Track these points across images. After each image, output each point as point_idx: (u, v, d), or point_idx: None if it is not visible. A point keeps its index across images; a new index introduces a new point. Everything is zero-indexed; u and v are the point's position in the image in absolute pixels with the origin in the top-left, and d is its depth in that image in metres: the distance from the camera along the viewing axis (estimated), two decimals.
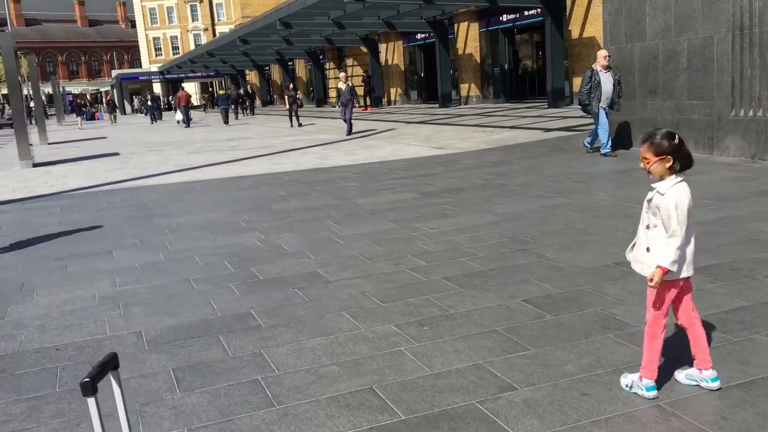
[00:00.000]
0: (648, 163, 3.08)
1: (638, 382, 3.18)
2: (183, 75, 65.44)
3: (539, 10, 22.40)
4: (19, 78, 16.91)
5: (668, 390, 3.21)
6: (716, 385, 3.15)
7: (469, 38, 28.37)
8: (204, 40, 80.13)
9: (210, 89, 68.36)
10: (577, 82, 22.16)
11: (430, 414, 3.15)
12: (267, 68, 54.64)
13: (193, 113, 35.30)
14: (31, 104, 32.38)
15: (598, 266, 5.18)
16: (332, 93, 41.98)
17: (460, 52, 29.02)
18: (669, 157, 3.02)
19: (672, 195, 2.99)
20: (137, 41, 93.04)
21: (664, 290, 3.10)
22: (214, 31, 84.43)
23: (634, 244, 3.22)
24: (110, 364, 1.52)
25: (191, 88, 69.35)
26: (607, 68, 10.86)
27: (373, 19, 28.71)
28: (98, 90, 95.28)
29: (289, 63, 48.41)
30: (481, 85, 28.71)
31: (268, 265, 5.95)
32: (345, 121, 19.50)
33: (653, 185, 3.13)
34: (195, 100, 68.28)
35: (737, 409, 3.01)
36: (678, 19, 10.39)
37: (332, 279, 5.40)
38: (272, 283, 5.42)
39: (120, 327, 4.63)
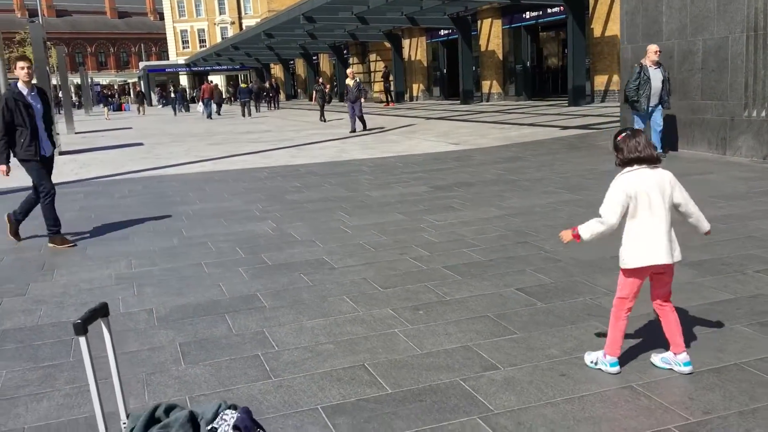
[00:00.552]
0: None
1: (602, 359, 3.39)
2: (209, 68, 66.08)
3: (562, 8, 22.39)
4: (48, 68, 17.34)
5: (641, 372, 3.39)
6: (688, 369, 3.32)
7: (492, 35, 28.41)
8: (231, 33, 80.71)
9: (231, 82, 68.98)
10: (598, 80, 22.20)
11: (416, 389, 3.36)
12: (291, 62, 55.03)
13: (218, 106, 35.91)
14: (60, 94, 33.03)
15: (594, 259, 5.33)
16: None
17: (483, 48, 29.07)
18: (615, 152, 3.26)
19: (612, 184, 3.27)
20: (165, 33, 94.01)
21: (625, 277, 3.30)
22: (240, 24, 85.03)
23: None
24: (101, 311, 1.73)
25: (218, 80, 70.00)
26: (657, 64, 10.22)
27: (396, 15, 28.85)
28: (126, 81, 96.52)
29: (314, 57, 48.73)
30: (503, 82, 28.74)
31: (277, 251, 6.19)
32: (351, 117, 19.19)
33: None
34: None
35: (706, 391, 3.17)
36: (693, 20, 10.44)
37: (337, 266, 5.62)
38: (280, 268, 5.65)
39: (133, 305, 4.89)
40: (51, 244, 6.81)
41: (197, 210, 8.47)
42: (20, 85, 6.52)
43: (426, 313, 4.39)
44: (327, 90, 29.41)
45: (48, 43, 43.97)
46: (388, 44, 35.44)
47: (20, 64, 6.48)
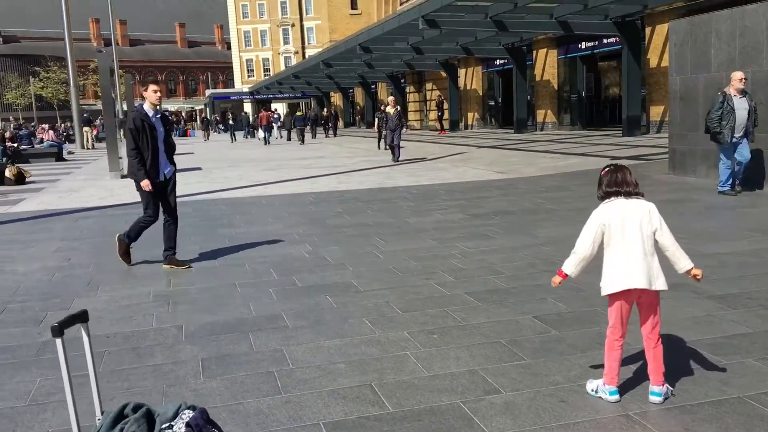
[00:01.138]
0: None
1: (602, 387, 3.45)
2: (271, 96, 67.85)
3: (618, 38, 22.26)
4: (113, 95, 18.21)
5: (641, 402, 3.41)
6: (656, 399, 3.37)
7: (547, 65, 28.39)
8: (294, 62, 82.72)
9: (288, 109, 70.54)
10: (654, 110, 21.89)
11: (416, 409, 3.46)
12: (351, 91, 56.00)
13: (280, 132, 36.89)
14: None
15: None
16: (411, 116, 42.71)
17: (538, 78, 29.05)
18: (597, 186, 3.48)
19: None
20: (231, 62, 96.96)
21: (609, 305, 3.43)
22: (304, 53, 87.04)
23: None
24: (80, 317, 1.93)
25: (281, 107, 71.72)
26: (743, 92, 9.55)
27: (451, 45, 29.17)
28: (193, 108, 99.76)
29: (372, 86, 49.50)
30: (558, 112, 28.61)
31: (308, 274, 6.39)
32: (390, 147, 18.81)
33: None
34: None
35: (702, 423, 3.18)
36: (743, 51, 10.30)
37: (363, 289, 5.78)
38: (308, 290, 5.84)
39: (165, 321, 5.15)
40: (118, 254, 7.00)
41: (241, 233, 8.77)
42: (146, 106, 6.62)
43: (440, 337, 4.50)
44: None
45: (120, 71, 45.90)
46: (443, 73, 35.76)
47: (152, 87, 6.66)
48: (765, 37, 9.88)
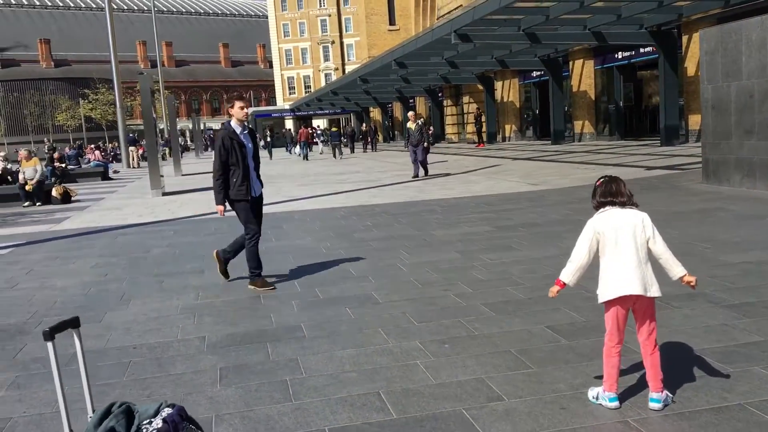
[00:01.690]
0: None
1: (602, 394, 3.50)
2: (312, 112, 68.71)
3: (654, 48, 22.03)
4: (154, 115, 18.78)
5: (641, 409, 3.45)
6: (655, 406, 3.41)
7: (583, 75, 28.22)
8: (334, 78, 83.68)
9: (328, 125, 71.24)
10: (693, 120, 21.57)
11: (419, 416, 3.57)
12: (389, 105, 56.37)
13: (318, 148, 37.29)
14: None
15: None
16: (449, 130, 42.79)
17: (575, 89, 28.88)
18: (592, 197, 3.58)
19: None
20: (273, 80, 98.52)
21: (605, 312, 3.49)
22: (344, 70, 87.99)
23: None
24: (71, 323, 2.10)
25: (321, 123, 72.50)
26: None
27: (486, 58, 29.22)
28: None
29: (410, 100, 49.76)
30: (595, 123, 28.38)
31: (331, 286, 6.54)
32: (414, 162, 18.34)
33: None
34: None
35: (699, 429, 3.21)
36: None
37: (382, 300, 5.90)
38: (329, 301, 5.99)
39: (190, 332, 5.36)
40: (251, 286, 6.63)
41: (270, 247, 8.98)
42: (234, 123, 6.48)
43: (451, 347, 4.59)
44: (430, 131, 28.96)
45: (166, 91, 47.06)
46: (480, 86, 35.79)
47: (239, 104, 6.49)
48: None
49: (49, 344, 1.95)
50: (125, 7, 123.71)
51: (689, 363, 4.01)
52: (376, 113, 60.85)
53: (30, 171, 18.13)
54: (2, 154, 25.54)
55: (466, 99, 39.29)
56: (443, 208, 11.80)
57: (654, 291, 3.36)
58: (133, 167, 36.64)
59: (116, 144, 50.35)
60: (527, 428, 3.33)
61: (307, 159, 33.33)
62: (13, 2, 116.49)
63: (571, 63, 28.85)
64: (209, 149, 53.78)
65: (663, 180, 13.15)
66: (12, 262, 9.10)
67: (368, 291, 6.26)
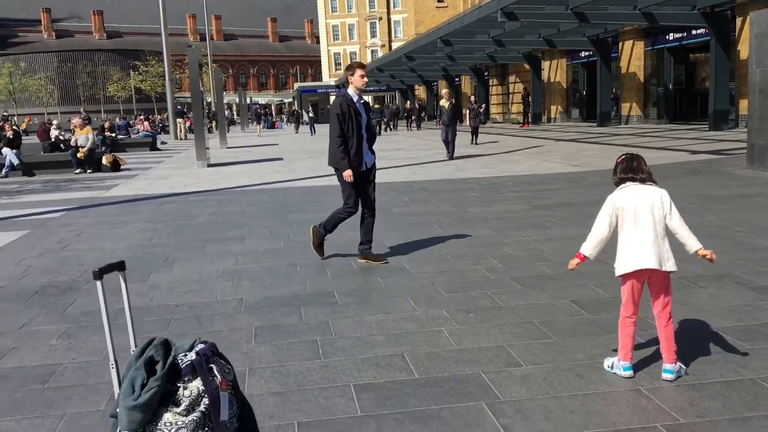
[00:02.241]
0: None
1: (617, 363, 3.62)
2: None
3: (706, 29, 21.53)
4: (201, 88, 19.18)
5: (655, 378, 3.57)
6: (668, 377, 3.52)
7: (633, 57, 27.72)
8: (380, 55, 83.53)
9: (373, 102, 71.23)
10: (744, 104, 21.06)
11: (440, 377, 3.75)
12: (434, 83, 56.13)
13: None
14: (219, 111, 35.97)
15: None
16: (494, 109, 42.48)
17: (623, 70, 28.41)
18: (613, 173, 3.69)
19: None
20: (320, 56, 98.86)
21: (622, 285, 3.62)
22: (390, 47, 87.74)
23: None
24: (117, 265, 2.33)
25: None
26: None
27: (533, 37, 28.92)
28: (282, 101, 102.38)
29: (456, 79, 49.49)
30: (644, 105, 27.90)
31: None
32: (444, 142, 17.78)
33: None
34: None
35: (708, 399, 3.32)
36: None
37: (413, 272, 6.08)
38: (362, 271, 6.20)
39: (228, 294, 5.63)
40: (362, 260, 6.52)
41: (309, 218, 9.21)
42: (351, 91, 6.27)
43: (476, 316, 4.75)
44: (481, 109, 28.10)
45: (214, 65, 47.83)
46: (527, 66, 35.43)
47: (360, 72, 6.24)
48: None
49: (98, 283, 2.18)
50: None
51: (707, 339, 4.10)
52: (421, 91, 60.65)
53: (82, 139, 18.75)
54: (56, 122, 26.36)
55: (512, 78, 38.97)
56: (481, 186, 11.89)
57: (670, 265, 3.46)
58: (181, 139, 37.39)
59: (165, 116, 51.37)
60: (541, 391, 3.49)
61: None
62: None
63: (620, 44, 28.36)
64: (254, 123, 54.31)
65: (706, 164, 12.99)
66: (64, 225, 9.54)
67: (401, 262, 6.45)
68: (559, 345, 4.14)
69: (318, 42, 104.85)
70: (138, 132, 35.73)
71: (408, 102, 47.40)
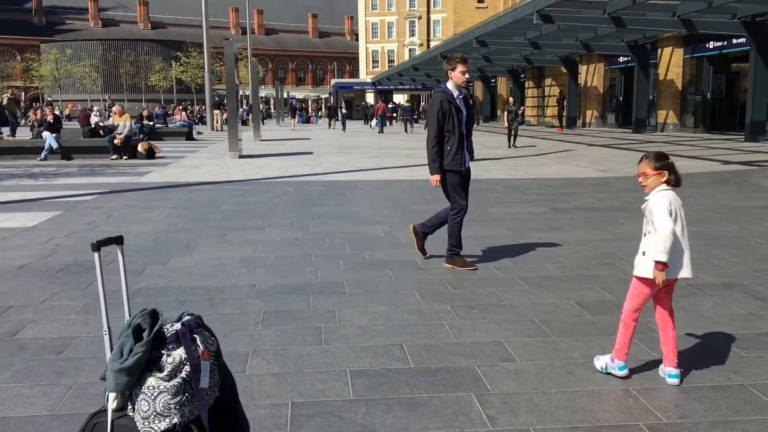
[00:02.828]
0: (647, 177, 3.55)
1: (611, 364, 3.67)
2: (392, 87, 68.94)
3: (747, 39, 21.18)
4: (238, 81, 19.48)
5: (645, 380, 3.63)
6: (674, 381, 3.54)
7: (671, 64, 27.37)
8: (418, 53, 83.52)
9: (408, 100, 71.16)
10: None
11: (434, 367, 3.86)
12: (471, 84, 55.98)
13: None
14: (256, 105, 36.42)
15: None
16: (528, 112, 42.23)
17: (661, 77, 28.07)
18: (665, 172, 3.48)
19: (656, 198, 3.47)
20: (358, 53, 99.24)
21: (643, 286, 3.55)
22: (428, 46, 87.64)
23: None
24: (116, 240, 2.48)
25: (402, 98, 72.74)
26: None
27: (570, 41, 28.72)
28: (319, 96, 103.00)
29: (492, 80, 49.32)
30: (680, 113, 27.54)
31: (378, 251, 6.87)
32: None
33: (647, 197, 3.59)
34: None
35: (694, 402, 3.38)
36: None
37: (423, 266, 6.19)
38: (374, 263, 6.32)
39: (242, 280, 5.79)
40: (449, 265, 6.14)
41: (330, 211, 9.39)
42: (450, 86, 5.98)
43: (479, 312, 4.84)
44: (520, 111, 27.07)
45: (254, 58, 48.44)
46: (564, 69, 35.18)
47: (461, 67, 5.91)
48: None
49: (96, 254, 2.33)
50: None
51: (704, 345, 4.14)
52: None
53: (120, 126, 19.19)
54: (96, 108, 26.98)
55: (548, 81, 38.73)
56: (504, 187, 11.93)
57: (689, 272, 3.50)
58: (217, 130, 37.93)
59: (203, 106, 52.12)
60: (530, 386, 3.57)
61: (382, 132, 33.69)
62: None
63: (659, 50, 28.02)
64: (289, 117, 54.81)
65: (736, 175, 12.83)
66: (95, 207, 9.84)
67: (413, 258, 6.55)
68: (557, 344, 4.21)
69: (357, 39, 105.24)
70: (175, 122, 36.33)
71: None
